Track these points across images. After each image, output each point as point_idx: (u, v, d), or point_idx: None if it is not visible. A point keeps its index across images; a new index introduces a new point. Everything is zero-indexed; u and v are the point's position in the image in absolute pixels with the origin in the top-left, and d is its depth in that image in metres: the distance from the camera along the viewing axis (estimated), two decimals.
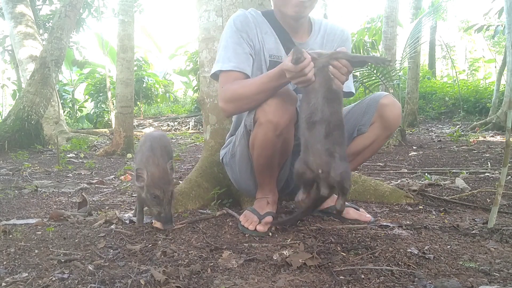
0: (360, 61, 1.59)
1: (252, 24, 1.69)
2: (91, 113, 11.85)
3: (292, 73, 1.39)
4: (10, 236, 1.64)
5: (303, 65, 1.36)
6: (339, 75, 1.41)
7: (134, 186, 1.78)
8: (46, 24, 9.82)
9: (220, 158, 1.99)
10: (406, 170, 3.25)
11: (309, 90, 1.45)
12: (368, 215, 1.81)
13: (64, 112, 9.71)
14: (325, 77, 1.42)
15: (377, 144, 1.82)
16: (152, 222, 1.78)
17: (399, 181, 2.72)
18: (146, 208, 2.07)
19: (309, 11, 1.68)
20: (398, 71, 5.30)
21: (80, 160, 4.59)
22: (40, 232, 1.70)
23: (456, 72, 9.53)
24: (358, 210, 1.85)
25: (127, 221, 1.85)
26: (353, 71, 1.54)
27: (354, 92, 1.84)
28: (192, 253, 1.44)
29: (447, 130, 7.26)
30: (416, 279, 1.17)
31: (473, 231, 1.62)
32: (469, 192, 2.31)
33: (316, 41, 1.78)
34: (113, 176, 3.42)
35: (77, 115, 12.52)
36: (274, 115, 1.51)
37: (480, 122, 7.30)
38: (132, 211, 1.99)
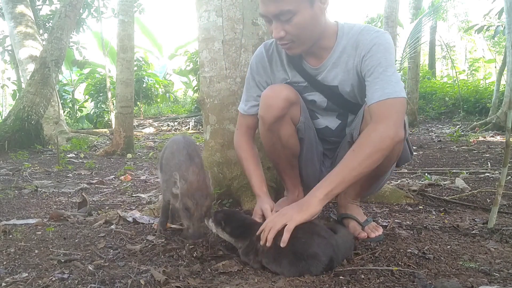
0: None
1: (266, 62, 1.65)
2: (91, 113, 11.83)
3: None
4: (10, 236, 1.64)
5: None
6: None
7: (168, 193, 1.58)
8: (46, 24, 9.80)
9: None
10: (406, 170, 3.25)
11: None
12: (365, 233, 1.57)
13: (64, 112, 9.70)
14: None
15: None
16: (153, 223, 1.78)
17: (399, 181, 2.72)
18: (147, 207, 2.07)
19: (300, 49, 1.47)
20: (398, 71, 5.30)
21: (80, 160, 4.59)
22: (40, 232, 1.70)
23: (456, 72, 9.53)
24: (360, 223, 1.62)
25: (130, 219, 1.85)
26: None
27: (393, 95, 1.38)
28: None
29: (447, 130, 7.26)
30: (416, 279, 1.17)
31: (473, 231, 1.62)
32: (469, 192, 2.31)
33: (333, 61, 1.52)
34: (113, 176, 3.42)
35: (77, 115, 12.50)
36: (261, 111, 1.61)
37: (480, 122, 7.30)
38: (132, 211, 1.99)
